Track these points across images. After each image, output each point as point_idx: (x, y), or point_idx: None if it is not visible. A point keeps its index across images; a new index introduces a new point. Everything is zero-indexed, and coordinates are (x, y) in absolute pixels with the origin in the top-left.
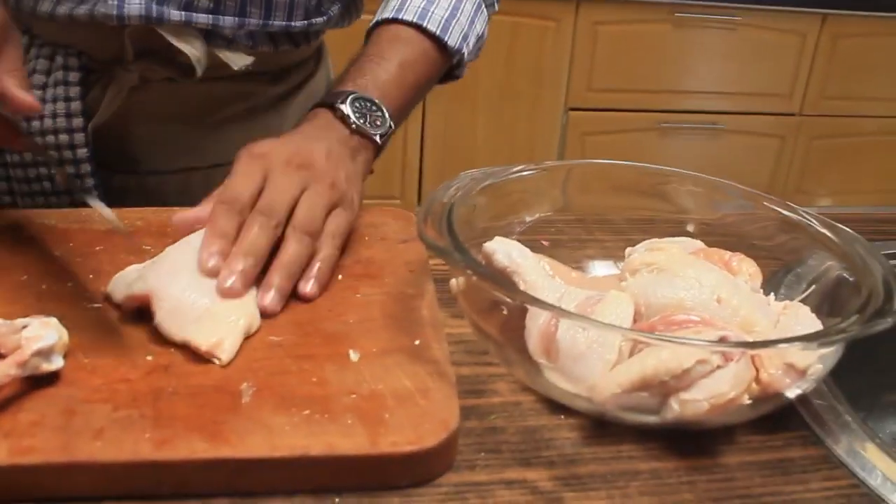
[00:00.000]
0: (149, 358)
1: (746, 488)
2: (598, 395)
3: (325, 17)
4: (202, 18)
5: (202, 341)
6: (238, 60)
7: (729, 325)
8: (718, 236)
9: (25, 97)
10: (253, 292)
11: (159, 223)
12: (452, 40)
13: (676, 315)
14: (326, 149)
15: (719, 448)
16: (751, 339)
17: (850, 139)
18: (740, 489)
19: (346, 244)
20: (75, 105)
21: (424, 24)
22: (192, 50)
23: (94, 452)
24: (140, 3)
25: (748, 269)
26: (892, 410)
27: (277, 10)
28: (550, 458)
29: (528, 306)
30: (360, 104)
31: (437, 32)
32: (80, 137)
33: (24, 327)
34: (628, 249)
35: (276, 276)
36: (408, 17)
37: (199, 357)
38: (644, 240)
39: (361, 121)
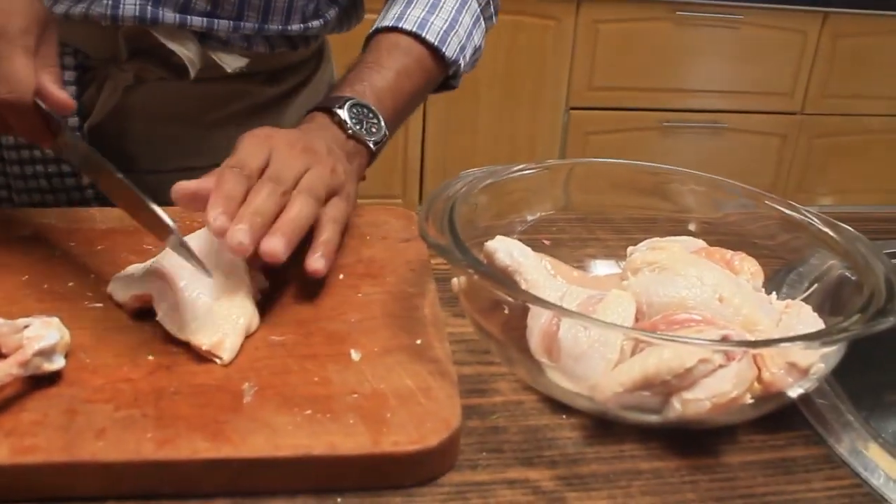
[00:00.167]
0: (150, 357)
1: (748, 488)
2: (600, 394)
3: (321, 22)
4: (197, 21)
5: (203, 341)
6: (232, 62)
7: (731, 325)
8: (720, 235)
9: (60, 94)
10: (250, 293)
11: None
12: (450, 51)
13: (678, 314)
14: (326, 144)
15: (721, 447)
16: (753, 339)
17: (852, 138)
18: (742, 489)
19: (343, 239)
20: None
21: (423, 35)
22: (186, 52)
23: (96, 452)
24: (135, 4)
25: (750, 268)
26: (894, 410)
27: (275, 14)
28: (552, 458)
29: (530, 305)
30: (358, 110)
31: (436, 43)
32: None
33: (26, 327)
34: (630, 248)
35: (284, 226)
36: (407, 26)
37: (200, 357)
38: (645, 239)
39: (358, 127)
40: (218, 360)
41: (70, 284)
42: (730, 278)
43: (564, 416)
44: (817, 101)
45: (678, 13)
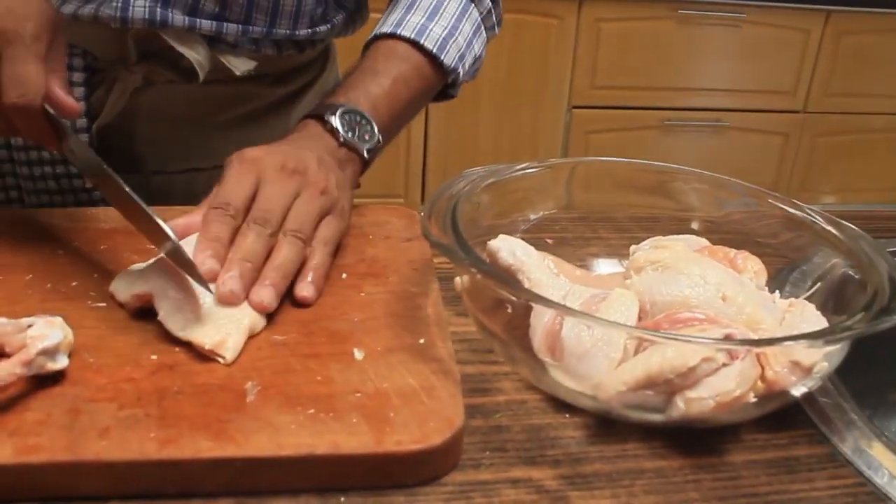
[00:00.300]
0: (153, 357)
1: (752, 487)
2: (603, 393)
3: (329, 26)
4: (206, 24)
5: (206, 340)
6: (241, 65)
7: (734, 323)
8: (723, 234)
9: (68, 99)
10: None
11: None
12: (448, 59)
13: (681, 313)
14: (317, 157)
15: (725, 446)
16: (756, 337)
17: (855, 136)
18: (746, 488)
19: (337, 250)
20: (79, 105)
21: (422, 42)
22: (195, 55)
23: (100, 451)
24: (144, 6)
25: (753, 267)
26: None
27: (283, 17)
28: (555, 457)
29: (533, 304)
30: (350, 117)
31: (434, 50)
32: (83, 138)
33: (30, 326)
34: (633, 247)
35: (272, 274)
36: (406, 32)
37: (203, 356)
38: (648, 237)
39: (350, 134)
40: (220, 360)
41: (73, 284)
42: (733, 277)
43: (568, 415)
44: (820, 99)
45: (680, 12)
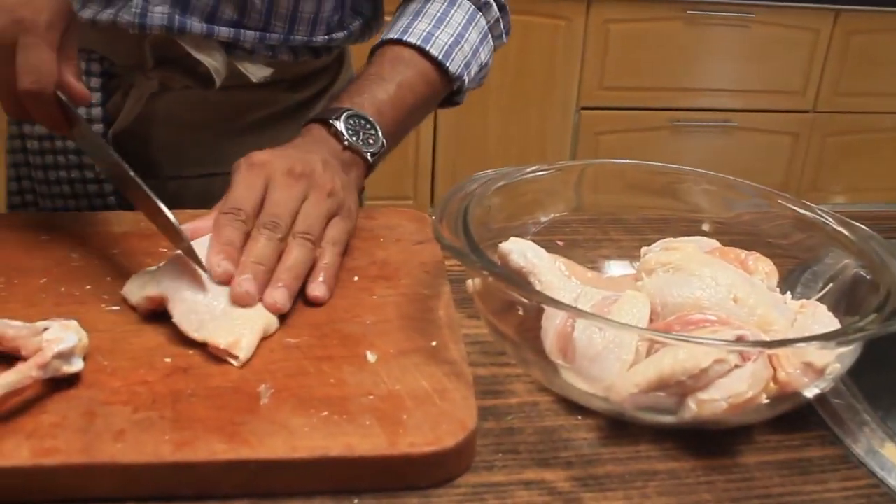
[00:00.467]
0: (167, 360)
1: (765, 488)
2: (616, 395)
3: (346, 32)
4: (224, 31)
5: (220, 340)
6: (257, 72)
7: (746, 325)
8: (734, 235)
9: (80, 86)
10: None
11: None
12: (454, 66)
13: (693, 315)
14: (322, 159)
15: (737, 448)
16: (768, 339)
17: (865, 136)
18: (759, 489)
19: (346, 251)
20: (96, 111)
21: (427, 48)
22: (212, 61)
23: (115, 454)
24: (163, 13)
25: (764, 268)
26: None
27: (300, 25)
28: (568, 459)
29: (545, 307)
30: (355, 121)
31: (440, 57)
32: None
33: (45, 330)
34: (644, 249)
35: (284, 275)
36: (412, 39)
37: (217, 359)
38: (659, 239)
39: (354, 138)
40: (234, 361)
41: (87, 287)
42: (744, 278)
43: (580, 417)
44: (829, 99)
45: (689, 12)
